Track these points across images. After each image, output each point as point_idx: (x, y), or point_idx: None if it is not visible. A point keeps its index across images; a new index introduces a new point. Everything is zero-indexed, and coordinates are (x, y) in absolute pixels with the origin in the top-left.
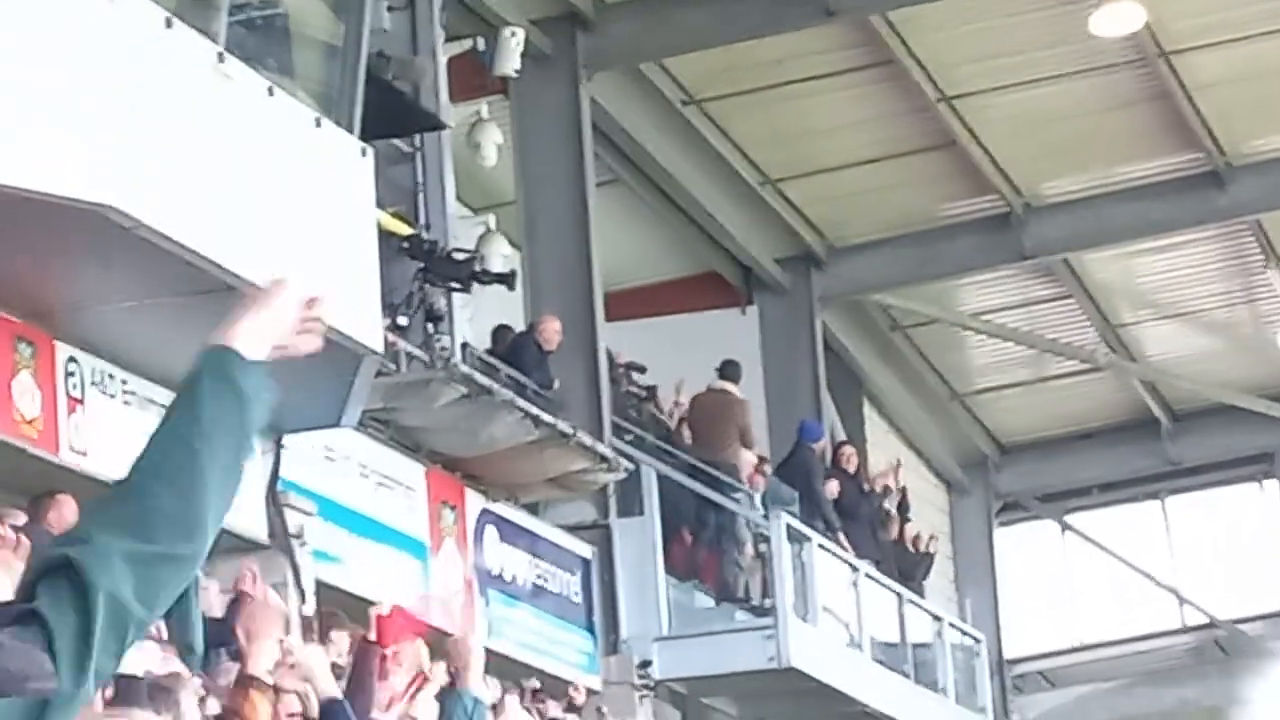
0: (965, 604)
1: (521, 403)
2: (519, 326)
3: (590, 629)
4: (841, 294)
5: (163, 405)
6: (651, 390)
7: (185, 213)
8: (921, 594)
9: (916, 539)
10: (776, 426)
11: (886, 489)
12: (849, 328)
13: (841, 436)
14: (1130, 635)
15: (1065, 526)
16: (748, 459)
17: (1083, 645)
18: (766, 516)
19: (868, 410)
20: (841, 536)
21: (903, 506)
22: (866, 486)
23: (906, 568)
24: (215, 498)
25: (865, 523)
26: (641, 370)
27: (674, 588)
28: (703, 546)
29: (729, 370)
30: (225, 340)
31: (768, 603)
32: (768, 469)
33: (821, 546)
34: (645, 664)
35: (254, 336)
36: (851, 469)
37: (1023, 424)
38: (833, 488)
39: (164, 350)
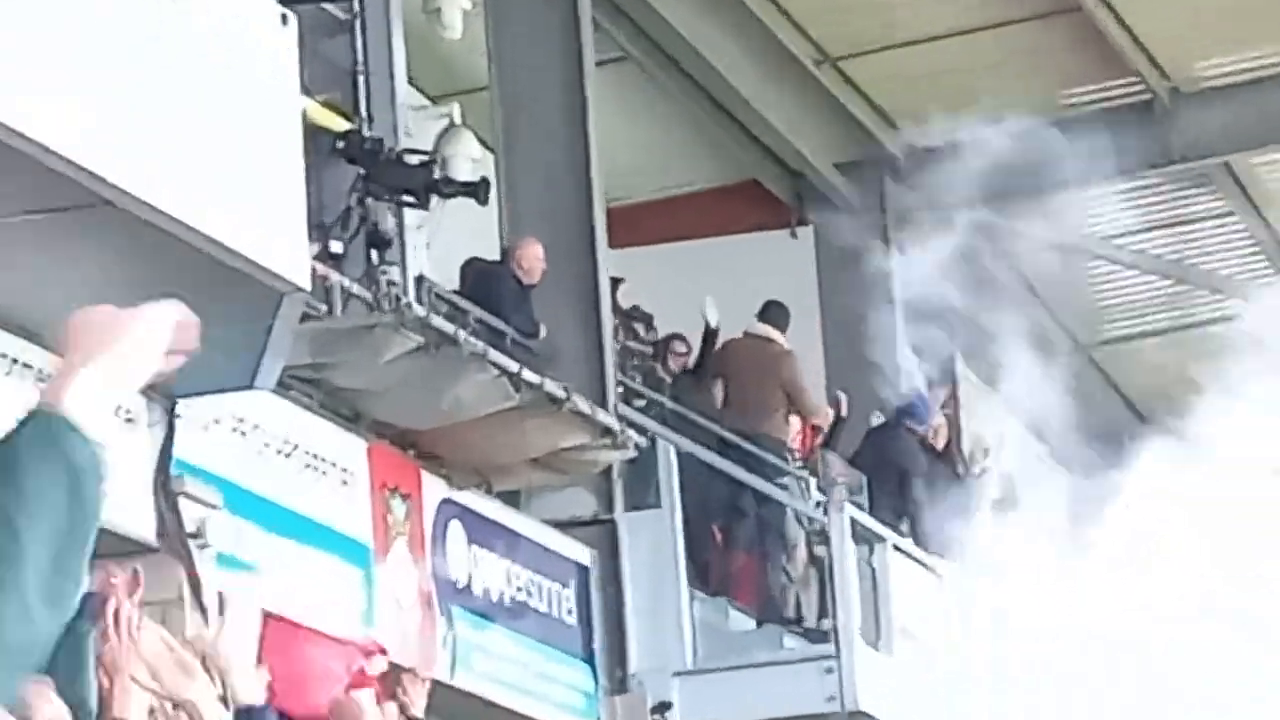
0: None
1: (496, 356)
2: (493, 255)
3: (589, 660)
4: (926, 209)
5: (25, 366)
6: (662, 345)
7: (45, 106)
8: None
9: None
10: (836, 388)
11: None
12: None
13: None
14: None
15: None
16: (798, 431)
17: None
18: (824, 508)
19: (961, 368)
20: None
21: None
22: (961, 469)
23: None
24: (43, 589)
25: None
26: (646, 322)
27: (701, 605)
28: (739, 550)
29: (773, 313)
30: (52, 400)
31: (826, 624)
32: (830, 450)
33: (899, 549)
34: (663, 706)
35: (91, 390)
36: (940, 445)
37: (1169, 384)
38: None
39: (19, 290)
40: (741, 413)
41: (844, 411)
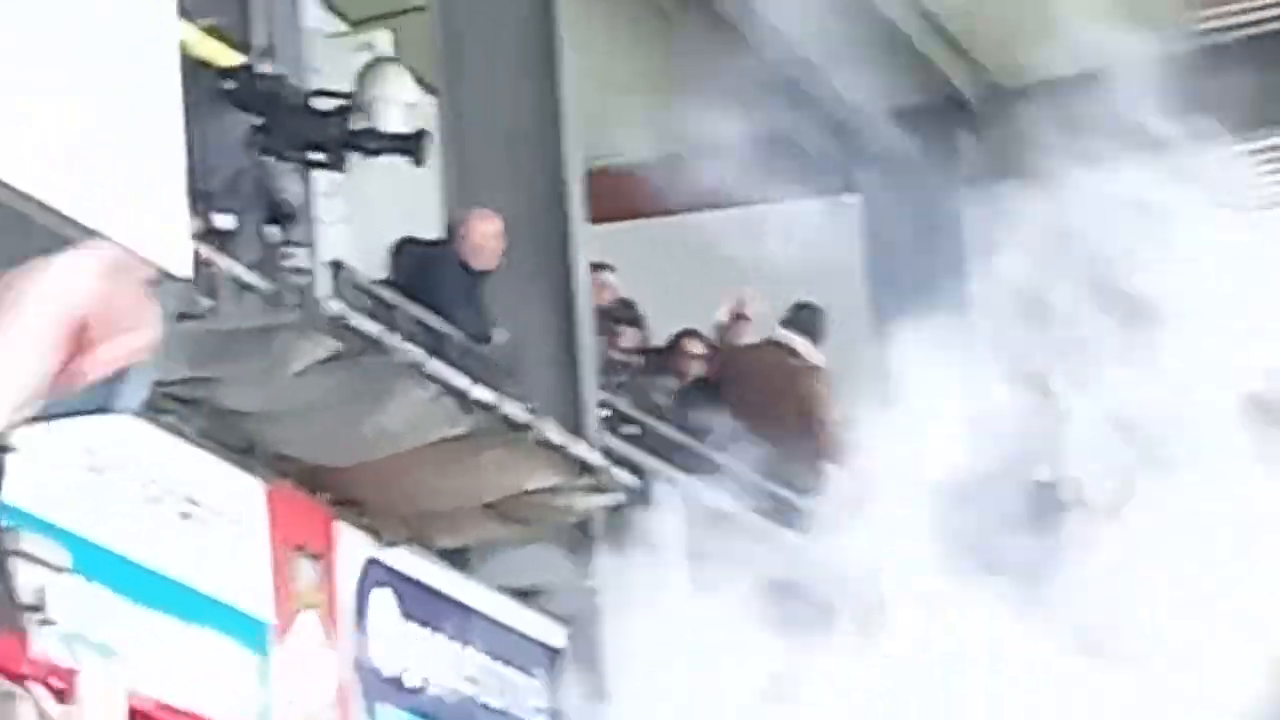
0: None
1: (437, 367)
2: (433, 233)
3: None
4: (1011, 169)
5: None
6: (668, 349)
7: None
8: None
9: None
10: None
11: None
12: None
13: None
14: None
15: None
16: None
17: None
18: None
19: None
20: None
21: None
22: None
23: None
24: None
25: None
26: (631, 319)
27: None
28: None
29: (803, 318)
30: None
31: None
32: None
33: None
34: None
35: None
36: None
37: None
38: None
39: None
40: (757, 433)
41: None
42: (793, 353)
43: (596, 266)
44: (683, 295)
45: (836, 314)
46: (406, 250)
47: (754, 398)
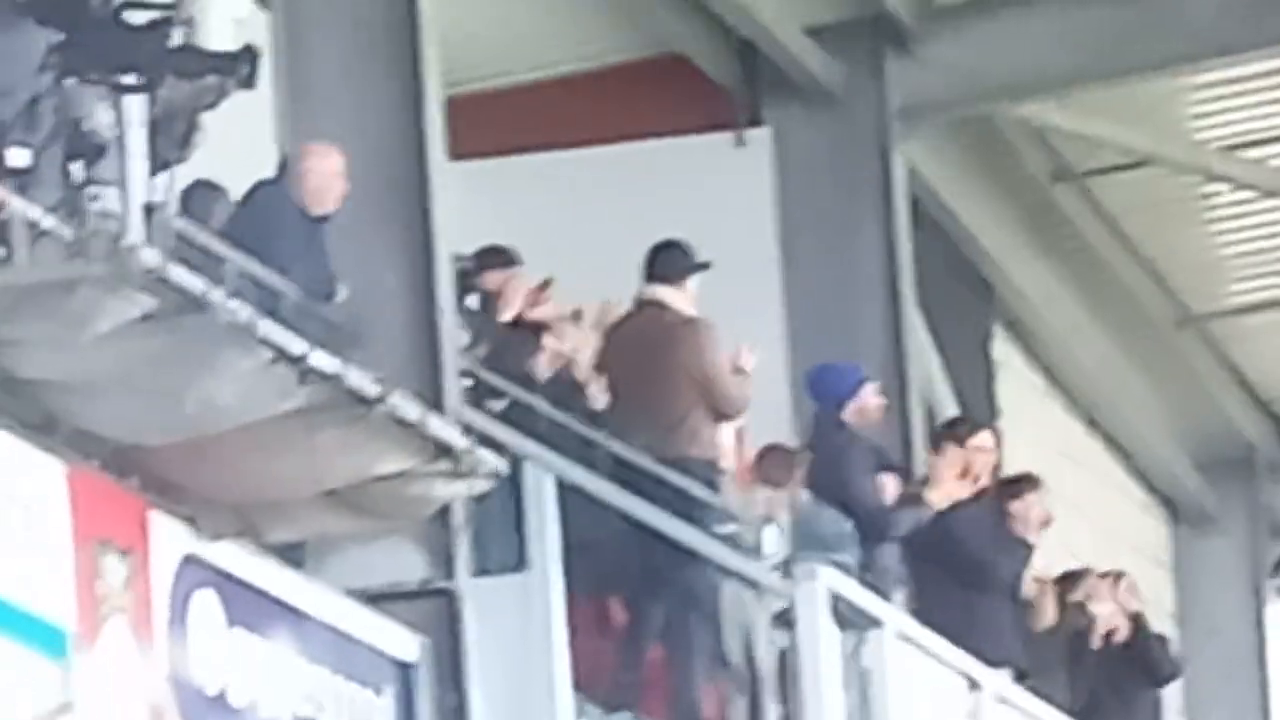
0: None
1: (271, 330)
2: (266, 173)
3: None
4: (945, 103)
5: None
6: (529, 334)
7: None
8: None
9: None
10: (804, 369)
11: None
12: (965, 173)
13: (947, 404)
14: None
15: None
16: (729, 444)
17: None
18: (786, 572)
19: (1001, 344)
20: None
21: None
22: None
23: (1100, 675)
24: None
25: (1001, 584)
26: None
27: None
28: (652, 637)
29: (663, 264)
30: None
31: None
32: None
33: (907, 638)
34: None
35: None
36: (975, 474)
37: None
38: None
39: None
40: (629, 421)
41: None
42: (658, 309)
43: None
44: (565, 244)
45: (740, 265)
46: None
47: (631, 371)
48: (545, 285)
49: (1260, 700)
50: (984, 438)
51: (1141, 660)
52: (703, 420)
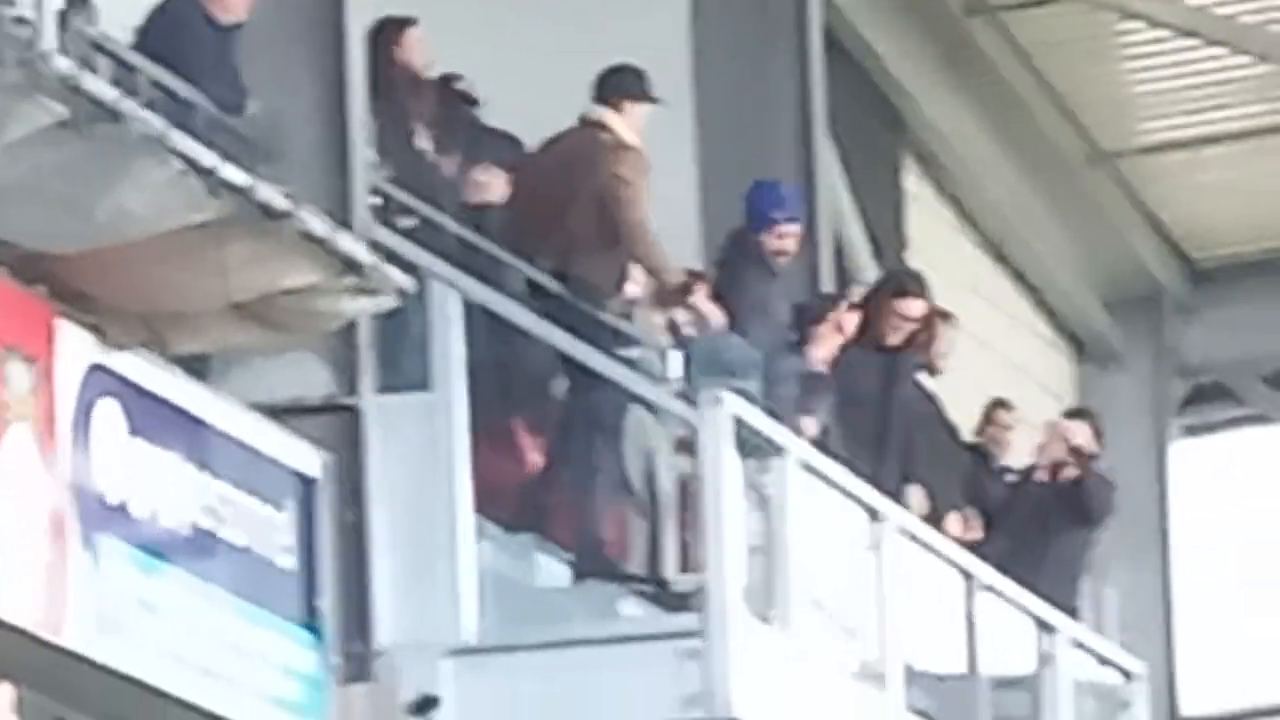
0: (1106, 600)
1: (182, 140)
2: None
3: (313, 626)
4: None
5: None
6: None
7: None
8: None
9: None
10: (719, 203)
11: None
12: (880, 4)
13: (857, 236)
14: None
15: None
16: (639, 276)
17: None
18: (689, 398)
19: (912, 178)
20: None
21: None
22: (896, 334)
23: (1013, 516)
24: None
25: (901, 417)
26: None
27: (493, 546)
28: (555, 460)
29: (610, 84)
30: None
31: (689, 584)
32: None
33: (810, 468)
34: (426, 703)
35: None
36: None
37: (1241, 225)
38: (826, 344)
39: None
40: (551, 246)
41: None
42: (602, 127)
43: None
44: (478, 67)
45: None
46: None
47: (551, 197)
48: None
49: (1159, 537)
50: (914, 305)
51: (1078, 499)
52: (615, 245)
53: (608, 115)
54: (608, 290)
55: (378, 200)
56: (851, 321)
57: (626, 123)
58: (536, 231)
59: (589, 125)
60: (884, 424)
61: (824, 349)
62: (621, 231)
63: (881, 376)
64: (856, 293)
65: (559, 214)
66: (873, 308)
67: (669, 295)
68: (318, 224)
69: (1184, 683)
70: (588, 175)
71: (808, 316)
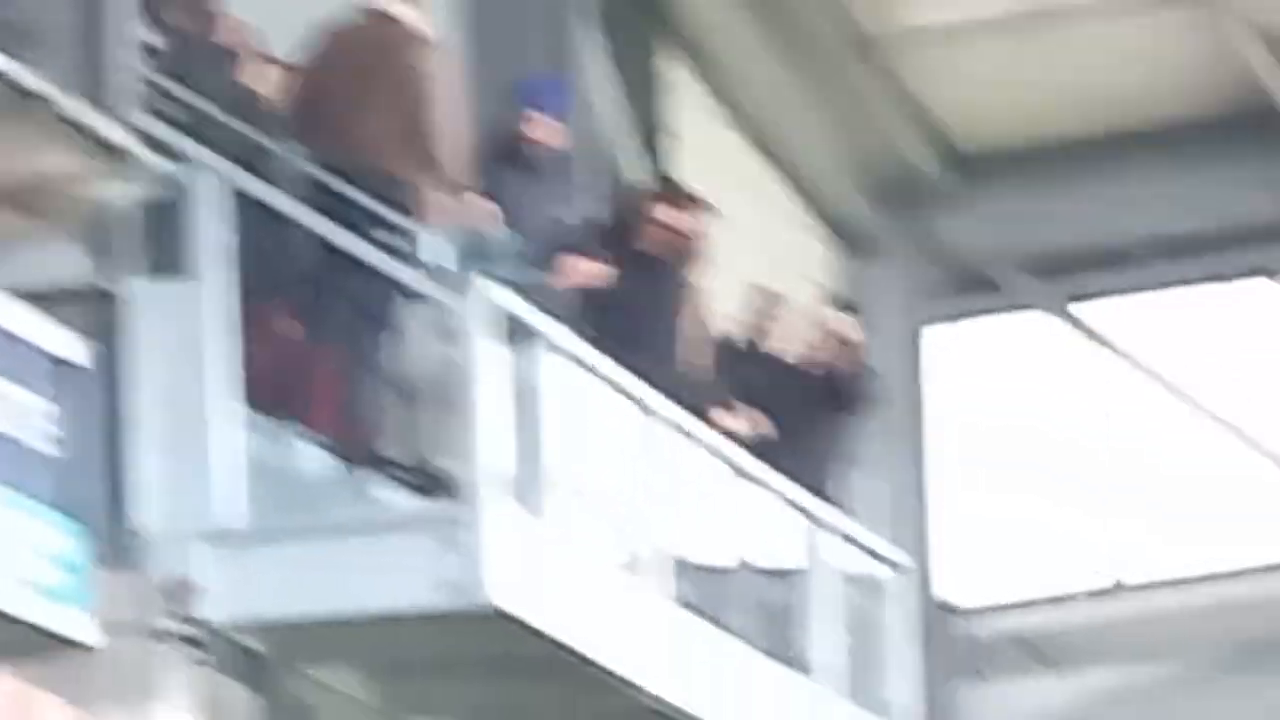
0: (869, 492)
1: None
2: None
3: (71, 511)
4: None
5: None
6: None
7: None
8: (815, 470)
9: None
10: (487, 96)
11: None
12: None
13: (616, 122)
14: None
15: (1074, 323)
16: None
17: (1116, 586)
18: (451, 284)
19: (675, 66)
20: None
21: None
22: (656, 245)
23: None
24: None
25: (654, 307)
26: None
27: (253, 432)
28: (319, 347)
29: None
30: None
31: (446, 468)
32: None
33: (574, 358)
34: (183, 589)
35: None
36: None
37: (1005, 114)
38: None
39: None
40: (335, 141)
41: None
42: (392, 21)
43: None
44: None
45: None
46: None
47: (341, 83)
48: None
49: (914, 424)
50: (675, 214)
51: (839, 388)
52: (394, 137)
53: (404, 8)
54: (397, 183)
55: (140, 84)
56: (595, 271)
57: (417, 12)
58: (326, 126)
59: (375, 16)
60: (639, 327)
61: (567, 282)
62: (417, 127)
63: (639, 285)
64: (622, 197)
65: (351, 108)
66: (633, 214)
67: (447, 187)
68: (77, 108)
69: (939, 573)
70: (381, 66)
71: (563, 243)
